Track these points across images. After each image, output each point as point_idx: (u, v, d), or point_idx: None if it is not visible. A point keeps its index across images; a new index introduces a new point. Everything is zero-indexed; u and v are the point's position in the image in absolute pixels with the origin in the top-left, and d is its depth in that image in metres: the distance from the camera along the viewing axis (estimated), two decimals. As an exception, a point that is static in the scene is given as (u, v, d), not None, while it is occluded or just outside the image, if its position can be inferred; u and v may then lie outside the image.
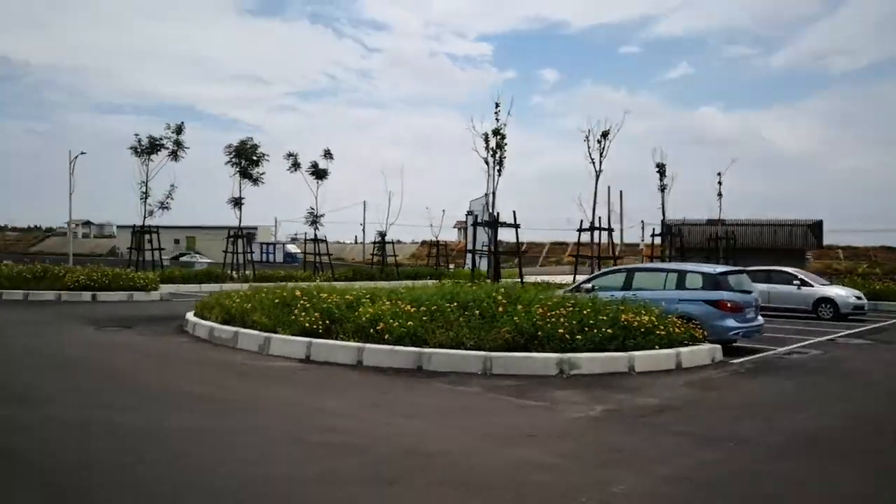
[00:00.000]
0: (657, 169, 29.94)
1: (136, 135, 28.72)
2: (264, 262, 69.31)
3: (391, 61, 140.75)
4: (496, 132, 16.82)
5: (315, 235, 34.88)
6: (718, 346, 11.48)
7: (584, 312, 10.67)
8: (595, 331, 10.17)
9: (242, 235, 31.24)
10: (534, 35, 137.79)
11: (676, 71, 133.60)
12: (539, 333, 10.03)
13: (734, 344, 12.67)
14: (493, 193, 16.93)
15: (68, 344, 12.01)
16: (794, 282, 20.45)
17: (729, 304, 12.13)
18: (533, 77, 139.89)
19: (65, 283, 21.30)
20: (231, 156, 30.09)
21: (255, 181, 30.42)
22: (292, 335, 11.10)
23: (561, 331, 10.02)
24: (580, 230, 22.60)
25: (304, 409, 7.52)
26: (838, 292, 20.02)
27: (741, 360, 11.54)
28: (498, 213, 17.79)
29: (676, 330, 10.94)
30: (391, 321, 10.39)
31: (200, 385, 8.62)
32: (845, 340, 15.11)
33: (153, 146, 28.79)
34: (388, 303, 11.13)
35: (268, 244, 76.58)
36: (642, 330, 10.54)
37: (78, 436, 6.12)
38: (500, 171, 16.98)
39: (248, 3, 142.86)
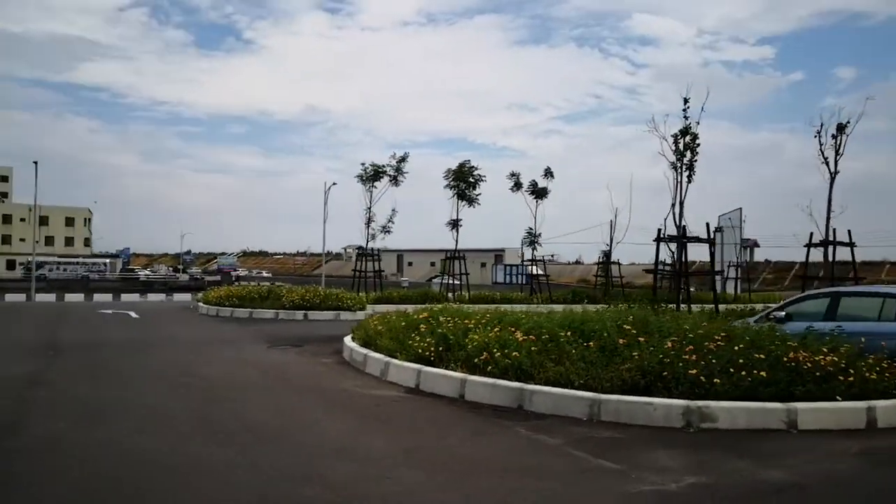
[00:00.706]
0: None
1: (363, 163, 30.63)
2: (507, 284, 70.29)
3: (658, 75, 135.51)
4: (685, 132, 14.46)
5: (532, 256, 34.30)
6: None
7: (737, 348, 8.39)
8: (743, 372, 7.90)
9: (461, 257, 31.67)
10: (826, 30, 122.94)
11: None
12: (665, 373, 8.06)
13: None
14: (681, 203, 14.60)
15: (217, 361, 12.64)
16: None
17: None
18: (825, 76, 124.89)
19: (282, 304, 23.17)
20: (450, 179, 30.72)
21: (472, 202, 30.68)
22: (407, 361, 10.41)
23: (694, 370, 7.94)
24: (809, 245, 18.51)
25: (327, 447, 6.69)
26: None
27: None
28: (684, 227, 15.43)
29: (873, 375, 8.11)
30: (496, 351, 9.17)
31: (268, 412, 8.30)
32: None
33: (377, 174, 30.59)
34: (497, 329, 9.89)
35: (512, 266, 77.43)
36: (817, 374, 7.99)
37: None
38: (690, 177, 14.58)
39: (518, 34, 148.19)
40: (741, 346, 8.48)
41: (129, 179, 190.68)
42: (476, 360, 9.29)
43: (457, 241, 30.50)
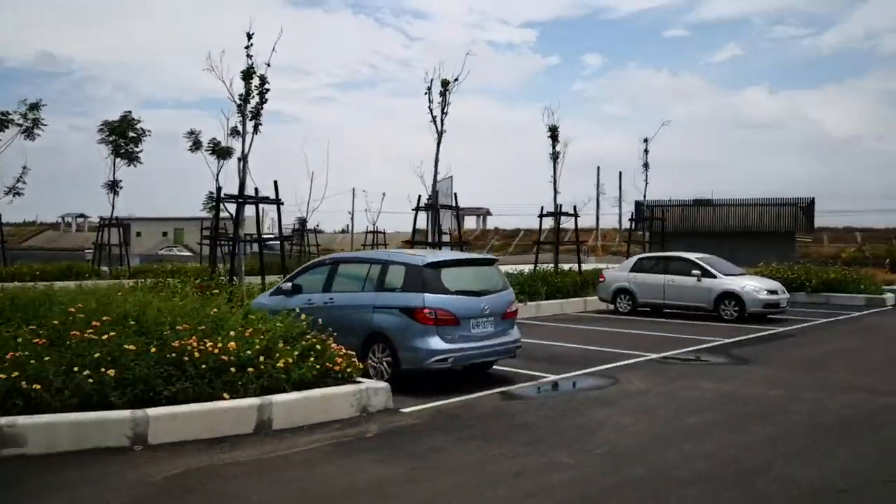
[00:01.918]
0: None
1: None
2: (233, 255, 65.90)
3: (429, 49, 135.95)
4: (248, 74, 12.48)
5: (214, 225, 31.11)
6: (383, 386, 7.02)
7: (105, 338, 6.28)
8: (87, 372, 5.81)
9: (118, 224, 27.49)
10: (578, 20, 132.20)
11: (722, 53, 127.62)
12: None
13: (489, 370, 8.76)
14: (245, 158, 12.61)
15: None
16: (694, 272, 15.63)
17: (429, 314, 7.64)
18: (576, 63, 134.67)
19: None
20: (105, 134, 26.14)
21: (133, 160, 26.46)
22: None
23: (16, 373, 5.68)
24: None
25: None
26: (746, 285, 15.12)
27: (426, 406, 7.07)
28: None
29: (286, 362, 6.51)
30: None
31: None
32: (694, 357, 10.47)
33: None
34: None
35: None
36: (204, 366, 6.19)
37: None
38: (256, 127, 12.66)
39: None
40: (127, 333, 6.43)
41: None
42: None
43: (113, 206, 26.28)
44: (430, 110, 15.73)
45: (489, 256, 10.03)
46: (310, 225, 36.71)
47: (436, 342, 7.64)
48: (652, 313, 16.27)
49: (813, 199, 38.59)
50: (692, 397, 7.63)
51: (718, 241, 39.66)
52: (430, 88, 15.67)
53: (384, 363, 7.92)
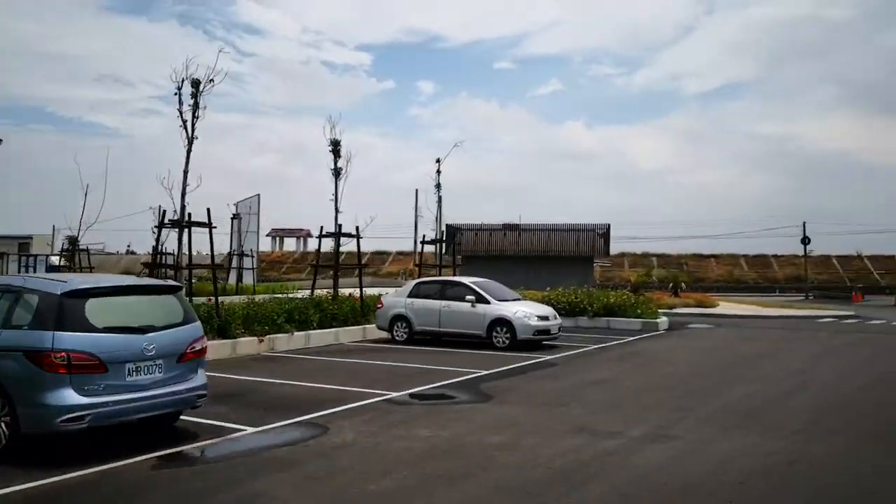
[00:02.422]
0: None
1: None
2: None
3: (263, 66, 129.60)
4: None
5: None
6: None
7: None
8: None
9: None
10: (413, 47, 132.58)
11: (546, 87, 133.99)
12: None
13: (176, 422, 6.86)
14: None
15: None
16: (468, 297, 14.94)
17: (59, 359, 5.86)
18: (411, 88, 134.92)
19: None
20: None
21: None
22: None
23: None
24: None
25: None
26: (517, 311, 14.63)
27: (34, 484, 5.29)
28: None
29: None
30: None
31: None
32: (440, 394, 9.46)
33: None
34: None
35: (31, 256, 64.91)
36: None
37: None
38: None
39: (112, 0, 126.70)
40: None
41: None
42: None
43: None
44: (181, 114, 13.76)
45: (169, 283, 8.29)
46: (88, 244, 32.83)
47: (68, 396, 5.87)
48: (431, 341, 15.35)
49: (609, 225, 40.59)
50: (397, 451, 6.46)
51: (525, 265, 40.65)
52: (179, 89, 13.73)
53: (2, 425, 6.01)
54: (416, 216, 57.14)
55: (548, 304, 21.03)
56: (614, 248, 70.61)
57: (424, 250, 24.51)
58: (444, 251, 36.88)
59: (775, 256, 68.89)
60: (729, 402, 9.14)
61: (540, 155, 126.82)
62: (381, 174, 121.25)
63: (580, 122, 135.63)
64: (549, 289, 23.24)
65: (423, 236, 23.44)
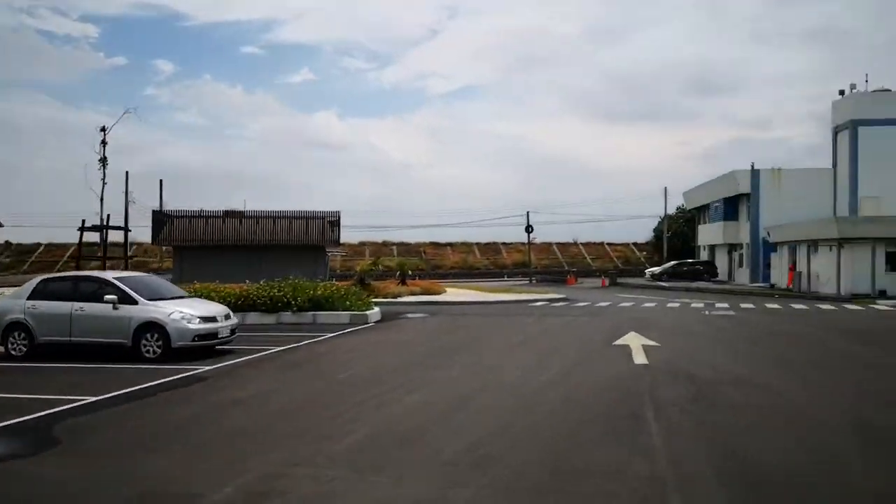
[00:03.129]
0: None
1: None
2: None
3: None
4: None
5: None
6: None
7: None
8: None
9: None
10: (148, 23, 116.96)
11: (298, 76, 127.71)
12: None
13: None
14: None
15: None
16: (108, 297, 11.69)
17: None
18: (147, 67, 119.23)
19: None
20: None
21: None
22: None
23: None
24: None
25: None
26: (173, 312, 11.73)
27: None
28: None
29: None
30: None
31: None
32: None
33: None
34: None
35: None
36: None
37: None
38: None
39: None
40: None
41: None
42: None
43: None
44: None
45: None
46: None
47: None
48: (63, 355, 11.80)
49: (339, 212, 38.70)
50: None
51: (248, 256, 37.26)
52: None
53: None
54: (126, 202, 50.66)
55: (244, 299, 18.38)
56: (358, 237, 69.79)
57: (106, 239, 20.31)
58: (152, 241, 32.13)
59: (504, 244, 72.90)
60: (387, 422, 7.27)
61: (292, 144, 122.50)
62: (111, 158, 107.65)
63: (332, 113, 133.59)
64: (263, 281, 20.52)
65: (83, 222, 19.09)
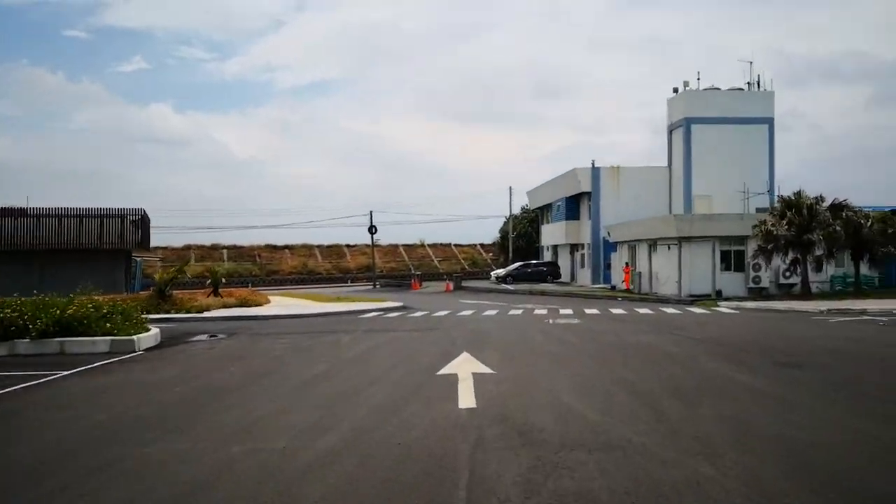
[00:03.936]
0: None
1: None
2: None
3: None
4: None
5: None
6: None
7: None
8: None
9: None
10: None
11: (129, 65, 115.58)
12: None
13: None
14: None
15: None
16: None
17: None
18: None
19: None
20: None
21: None
22: None
23: None
24: None
25: None
26: None
27: None
28: None
29: None
30: None
31: None
32: None
33: None
34: None
35: None
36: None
37: None
38: None
39: None
40: None
41: None
42: None
43: None
44: None
45: None
46: None
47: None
48: None
49: (143, 210, 33.45)
50: None
51: (26, 262, 31.09)
52: None
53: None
54: None
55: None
56: (184, 240, 63.05)
57: None
58: None
59: (349, 246, 69.32)
60: None
61: (122, 137, 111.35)
62: None
63: (168, 105, 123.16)
64: (35, 293, 15.81)
65: None
